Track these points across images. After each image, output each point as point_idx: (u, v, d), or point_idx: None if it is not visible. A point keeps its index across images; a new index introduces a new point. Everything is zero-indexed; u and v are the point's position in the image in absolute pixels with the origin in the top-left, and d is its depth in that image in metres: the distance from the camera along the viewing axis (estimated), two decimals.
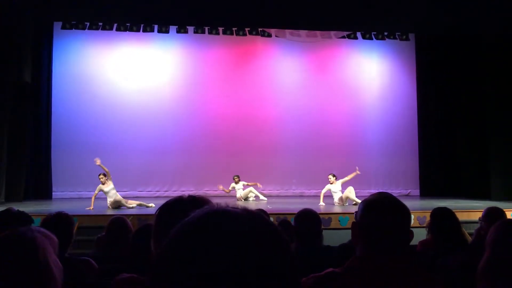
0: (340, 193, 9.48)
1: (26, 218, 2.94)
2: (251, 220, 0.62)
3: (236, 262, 0.56)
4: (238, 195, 10.59)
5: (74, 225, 2.85)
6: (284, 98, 12.19)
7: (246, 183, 10.72)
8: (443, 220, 3.27)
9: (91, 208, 8.32)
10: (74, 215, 7.09)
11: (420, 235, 3.91)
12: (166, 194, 11.17)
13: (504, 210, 3.65)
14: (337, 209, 8.56)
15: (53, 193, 11.14)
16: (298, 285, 0.62)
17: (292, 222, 3.32)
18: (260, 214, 0.64)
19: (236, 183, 10.69)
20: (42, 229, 1.31)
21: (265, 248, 0.59)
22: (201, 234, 0.60)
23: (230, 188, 10.71)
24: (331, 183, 9.58)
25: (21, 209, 2.88)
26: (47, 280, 1.19)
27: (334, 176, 9.66)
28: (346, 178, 9.66)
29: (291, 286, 0.60)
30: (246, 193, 10.58)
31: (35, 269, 1.17)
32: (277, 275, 0.59)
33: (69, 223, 2.80)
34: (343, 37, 12.11)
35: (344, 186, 9.57)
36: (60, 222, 2.72)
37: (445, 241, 3.16)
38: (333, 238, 5.75)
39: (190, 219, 0.63)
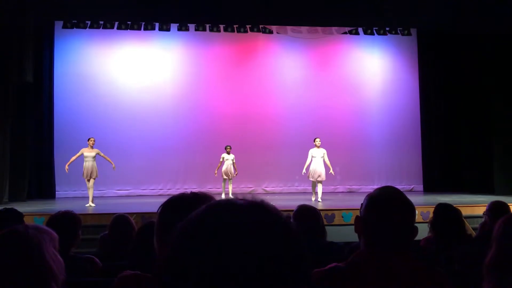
0: (321, 160, 9.45)
1: (14, 215, 2.96)
2: (259, 212, 0.61)
3: (248, 256, 0.56)
4: (224, 167, 10.28)
5: (81, 225, 2.85)
6: (286, 94, 12.18)
7: (234, 161, 10.39)
8: (446, 216, 3.25)
9: (66, 168, 9.09)
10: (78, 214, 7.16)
11: (424, 230, 3.90)
12: (169, 192, 11.17)
13: (508, 204, 3.65)
14: (340, 205, 8.55)
15: (56, 192, 11.16)
16: (310, 276, 0.61)
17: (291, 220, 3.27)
18: (268, 206, 0.63)
19: (228, 153, 10.39)
20: (39, 225, 1.31)
21: (277, 240, 0.59)
22: (209, 228, 0.59)
23: (221, 160, 10.34)
24: (317, 147, 9.55)
25: (25, 209, 2.89)
26: (44, 274, 1.18)
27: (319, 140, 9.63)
28: (328, 162, 9.56)
29: (304, 276, 0.59)
30: (229, 172, 10.38)
31: (30, 264, 1.17)
32: (291, 266, 0.58)
33: (75, 222, 2.79)
34: (345, 32, 12.07)
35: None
36: (64, 221, 2.73)
37: (448, 237, 3.15)
38: (337, 234, 5.75)
39: (197, 214, 0.62)
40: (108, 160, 9.36)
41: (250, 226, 0.59)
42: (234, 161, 10.46)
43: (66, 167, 9.16)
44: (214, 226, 0.59)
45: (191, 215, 0.62)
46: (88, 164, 9.02)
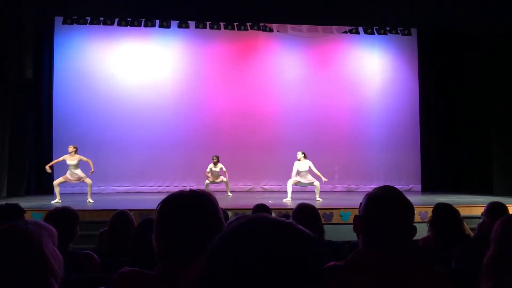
0: (307, 174, 9.35)
1: (15, 211, 2.96)
2: (279, 222, 0.71)
3: (264, 257, 0.64)
4: (210, 176, 10.24)
5: (79, 220, 2.85)
6: (285, 93, 12.17)
7: (223, 169, 10.29)
8: (445, 216, 3.26)
9: (48, 169, 8.89)
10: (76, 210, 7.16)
11: (421, 230, 3.91)
12: (167, 189, 11.18)
13: (507, 205, 3.65)
14: (339, 203, 8.56)
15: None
16: (321, 276, 0.69)
17: (291, 218, 3.28)
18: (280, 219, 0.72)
19: (215, 164, 10.25)
20: (38, 221, 1.31)
21: (290, 243, 0.67)
22: (232, 236, 0.69)
23: (207, 170, 10.22)
24: (299, 160, 9.41)
25: (23, 204, 2.89)
26: (44, 270, 1.18)
27: (303, 153, 9.44)
28: (316, 171, 9.44)
29: (317, 272, 0.68)
30: (217, 178, 10.36)
31: (30, 260, 1.16)
32: (302, 266, 0.66)
33: (73, 218, 2.80)
34: (345, 32, 12.07)
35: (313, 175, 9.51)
36: (62, 217, 2.73)
37: (446, 236, 3.16)
38: (335, 233, 5.76)
39: (230, 230, 0.70)
40: (90, 165, 8.97)
41: (271, 232, 0.68)
42: (225, 169, 10.27)
43: (47, 167, 8.94)
44: (237, 234, 0.69)
45: (224, 231, 0.72)
46: (69, 173, 8.76)
